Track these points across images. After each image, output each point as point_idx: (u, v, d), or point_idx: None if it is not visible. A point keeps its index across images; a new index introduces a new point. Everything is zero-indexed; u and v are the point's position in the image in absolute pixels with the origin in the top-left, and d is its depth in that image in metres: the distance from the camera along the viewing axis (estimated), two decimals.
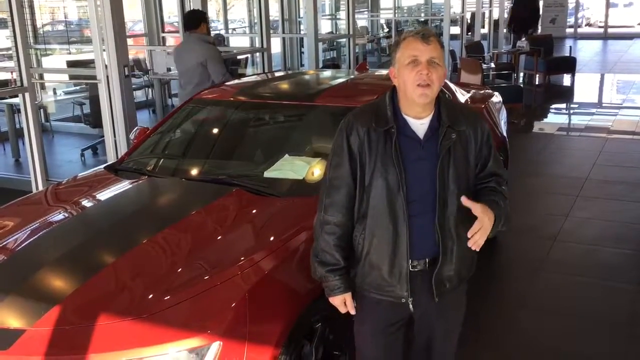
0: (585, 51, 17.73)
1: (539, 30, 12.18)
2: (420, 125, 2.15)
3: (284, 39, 11.07)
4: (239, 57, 9.70)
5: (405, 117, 2.16)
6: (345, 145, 2.17)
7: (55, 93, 9.06)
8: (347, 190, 2.19)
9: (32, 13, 8.54)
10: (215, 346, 2.19)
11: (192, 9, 6.47)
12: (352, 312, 2.28)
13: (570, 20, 22.50)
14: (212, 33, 7.47)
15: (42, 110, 8.29)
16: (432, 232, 2.14)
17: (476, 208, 2.06)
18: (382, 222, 2.14)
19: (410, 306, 2.23)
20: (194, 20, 5.67)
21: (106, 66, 5.26)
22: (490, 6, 15.87)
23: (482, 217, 2.06)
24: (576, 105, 10.92)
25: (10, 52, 5.86)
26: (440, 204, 2.12)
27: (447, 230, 2.15)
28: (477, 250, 2.12)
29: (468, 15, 14.70)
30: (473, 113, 2.34)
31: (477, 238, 2.06)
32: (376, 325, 2.33)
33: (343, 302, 2.26)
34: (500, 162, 2.30)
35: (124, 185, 3.42)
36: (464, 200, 2.07)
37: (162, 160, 3.79)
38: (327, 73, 5.22)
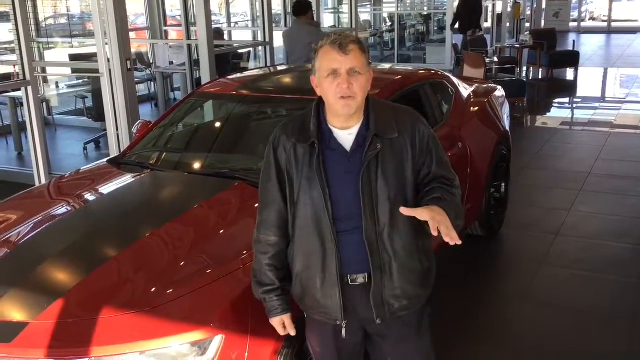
0: (589, 45, 17.67)
1: (483, 27, 12.04)
2: (347, 135, 2.00)
3: None
4: (240, 50, 9.71)
5: (332, 128, 2.01)
6: (273, 160, 2.06)
7: (57, 86, 9.07)
8: (277, 207, 2.07)
9: (35, 6, 8.52)
10: (218, 339, 2.20)
11: None
12: (292, 333, 2.16)
13: (574, 14, 22.42)
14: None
15: (44, 103, 8.29)
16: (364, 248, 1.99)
17: (419, 212, 1.86)
18: (310, 241, 2.02)
19: (343, 331, 2.08)
20: (302, 8, 6.85)
21: (109, 60, 5.26)
22: (494, 0, 15.81)
23: (429, 215, 1.84)
24: (579, 100, 10.88)
25: (12, 45, 5.86)
26: (367, 218, 1.96)
27: (381, 246, 1.98)
28: (458, 243, 1.82)
29: None
30: (410, 117, 2.09)
31: (445, 232, 1.81)
32: (326, 344, 2.20)
33: (282, 324, 2.14)
34: (447, 165, 2.09)
35: (126, 179, 3.43)
36: (403, 210, 1.88)
37: (164, 153, 3.79)
38: None
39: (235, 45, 9.93)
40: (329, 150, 2.00)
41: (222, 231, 2.87)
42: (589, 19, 25.48)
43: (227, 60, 8.90)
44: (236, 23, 14.47)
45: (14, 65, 6.94)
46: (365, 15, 15.82)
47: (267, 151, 2.09)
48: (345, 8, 13.63)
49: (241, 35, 12.74)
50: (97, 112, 7.28)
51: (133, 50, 6.75)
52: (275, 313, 2.13)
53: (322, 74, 1.96)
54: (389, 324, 2.10)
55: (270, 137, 2.10)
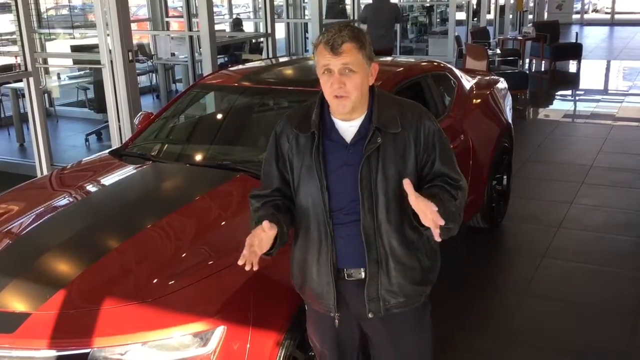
0: (592, 37, 17.62)
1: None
2: (349, 127, 1.99)
3: (288, 24, 11.02)
4: (256, 40, 9.78)
5: (334, 119, 2.01)
6: (275, 148, 2.08)
7: (59, 78, 9.06)
8: (276, 189, 2.09)
9: None
10: (220, 330, 2.20)
11: None
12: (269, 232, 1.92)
13: (577, 6, 22.35)
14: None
15: (46, 95, 8.28)
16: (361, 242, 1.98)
17: (415, 199, 1.81)
18: (308, 230, 2.04)
19: (336, 321, 2.08)
20: None
21: (110, 51, 5.25)
22: None
23: (423, 208, 1.80)
24: (582, 92, 10.86)
25: (14, 36, 5.85)
26: (365, 211, 1.95)
27: (378, 240, 1.97)
28: (438, 239, 1.83)
29: (474, 1, 14.59)
30: (416, 112, 2.04)
31: (433, 223, 1.79)
32: (324, 334, 2.20)
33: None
34: (453, 163, 2.03)
35: (128, 171, 3.43)
36: (406, 183, 1.82)
37: (166, 145, 3.79)
38: None
39: (239, 36, 9.91)
40: (329, 141, 2.00)
41: (224, 223, 2.87)
42: (592, 11, 25.38)
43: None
44: (238, 14, 14.42)
45: (16, 57, 6.93)
46: None
47: (271, 139, 2.11)
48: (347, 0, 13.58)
49: (243, 27, 12.70)
50: (98, 104, 7.28)
51: (135, 41, 6.73)
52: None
53: (319, 70, 1.96)
54: (387, 322, 2.09)
55: (275, 126, 2.12)
